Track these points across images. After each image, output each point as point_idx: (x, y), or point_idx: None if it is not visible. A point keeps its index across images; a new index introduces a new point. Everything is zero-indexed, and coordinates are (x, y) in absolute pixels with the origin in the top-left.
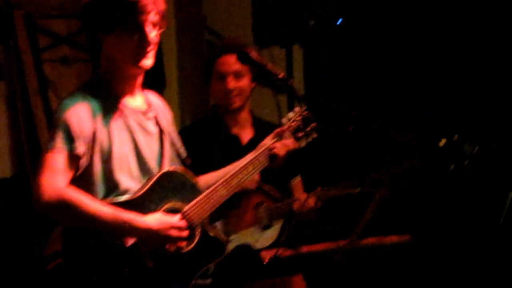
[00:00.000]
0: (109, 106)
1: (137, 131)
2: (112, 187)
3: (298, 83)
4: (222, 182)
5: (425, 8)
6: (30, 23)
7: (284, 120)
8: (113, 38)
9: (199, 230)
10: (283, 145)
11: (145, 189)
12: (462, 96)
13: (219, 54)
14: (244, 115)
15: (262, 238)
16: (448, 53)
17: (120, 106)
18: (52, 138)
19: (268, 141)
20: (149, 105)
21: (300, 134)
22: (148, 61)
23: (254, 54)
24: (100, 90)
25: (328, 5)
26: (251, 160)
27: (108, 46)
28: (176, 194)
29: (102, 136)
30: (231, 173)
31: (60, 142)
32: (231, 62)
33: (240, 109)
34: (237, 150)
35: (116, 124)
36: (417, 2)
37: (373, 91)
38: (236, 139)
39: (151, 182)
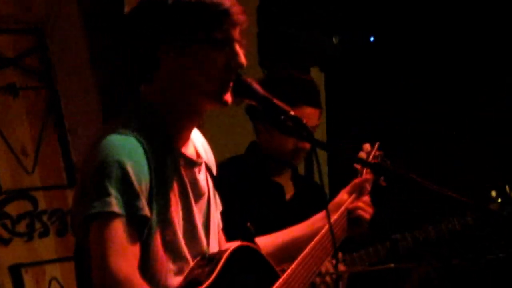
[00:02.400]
0: (165, 153)
1: (191, 192)
2: (160, 264)
3: None
4: (300, 262)
5: (458, 32)
6: None
7: (358, 166)
8: (186, 57)
9: None
10: (369, 204)
11: (214, 275)
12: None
13: None
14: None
15: None
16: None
17: (177, 155)
18: (100, 195)
19: (345, 198)
20: (195, 148)
21: (383, 182)
22: (229, 96)
23: (255, 85)
24: (153, 127)
25: (355, 19)
26: (329, 227)
27: (174, 68)
28: (248, 279)
29: (158, 196)
30: (309, 248)
31: (117, 202)
32: None
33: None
34: (281, 204)
35: (172, 180)
36: (450, 24)
37: (405, 125)
38: (281, 189)
39: (219, 265)
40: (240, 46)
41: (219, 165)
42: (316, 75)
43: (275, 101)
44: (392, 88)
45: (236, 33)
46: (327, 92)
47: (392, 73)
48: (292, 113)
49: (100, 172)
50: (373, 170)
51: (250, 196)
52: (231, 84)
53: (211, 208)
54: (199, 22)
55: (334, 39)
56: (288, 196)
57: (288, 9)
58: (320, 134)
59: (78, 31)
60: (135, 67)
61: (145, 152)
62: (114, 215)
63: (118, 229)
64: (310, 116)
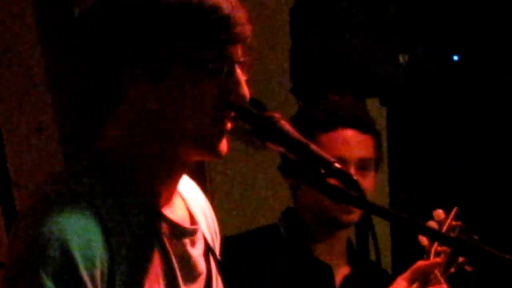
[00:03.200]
0: (139, 218)
1: (179, 273)
2: None
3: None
4: None
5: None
6: None
7: (425, 241)
8: (163, 87)
9: None
10: None
11: None
12: None
13: None
14: (344, 237)
15: None
16: None
17: (157, 220)
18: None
19: (402, 286)
20: (188, 209)
21: (453, 269)
22: (225, 144)
23: (284, 123)
24: (120, 182)
25: (431, 29)
26: None
27: (144, 102)
28: None
29: (126, 284)
30: None
31: None
32: None
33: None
34: None
35: (150, 257)
36: None
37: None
38: (328, 270)
39: None
40: (243, 70)
41: (234, 238)
42: (375, 110)
43: (313, 147)
44: (486, 131)
45: (238, 52)
46: (390, 135)
47: (485, 108)
48: (337, 165)
49: (32, 255)
50: (449, 245)
51: (280, 281)
52: (228, 125)
53: None
54: (186, 34)
55: (401, 58)
56: (338, 279)
57: (337, 13)
58: (381, 195)
59: (31, 44)
60: (91, 98)
61: (104, 222)
62: None
63: None
64: (353, 142)
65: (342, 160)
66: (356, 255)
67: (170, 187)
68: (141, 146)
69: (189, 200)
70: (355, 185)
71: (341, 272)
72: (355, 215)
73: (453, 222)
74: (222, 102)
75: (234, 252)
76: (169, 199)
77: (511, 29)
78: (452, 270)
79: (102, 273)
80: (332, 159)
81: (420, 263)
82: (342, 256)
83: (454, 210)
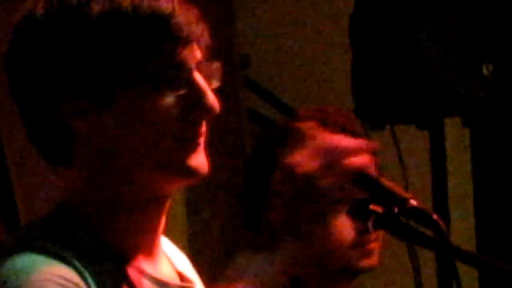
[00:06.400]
0: (109, 278)
1: None
2: None
3: (456, 206)
4: None
5: None
6: None
7: None
8: (111, 116)
9: None
10: None
11: None
12: None
13: None
14: None
15: None
16: None
17: (132, 275)
18: None
19: None
20: (175, 267)
21: None
22: (200, 158)
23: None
24: (78, 238)
25: None
26: None
27: (95, 138)
28: None
29: None
30: None
31: None
32: None
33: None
34: None
35: None
36: None
37: None
38: None
39: None
40: (208, 78)
41: None
42: (455, 131)
43: (384, 181)
44: None
45: (193, 56)
46: (474, 162)
47: None
48: (413, 202)
49: None
50: None
51: None
52: (201, 134)
53: None
54: (124, 47)
55: (484, 69)
56: None
57: (407, 18)
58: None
59: None
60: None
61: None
62: None
63: None
64: None
65: None
66: None
67: (148, 236)
68: (103, 190)
69: (170, 256)
70: (436, 226)
71: None
72: (375, 258)
73: None
74: (184, 114)
75: None
76: (150, 253)
77: None
78: None
79: None
80: (408, 195)
81: None
82: None
83: None
